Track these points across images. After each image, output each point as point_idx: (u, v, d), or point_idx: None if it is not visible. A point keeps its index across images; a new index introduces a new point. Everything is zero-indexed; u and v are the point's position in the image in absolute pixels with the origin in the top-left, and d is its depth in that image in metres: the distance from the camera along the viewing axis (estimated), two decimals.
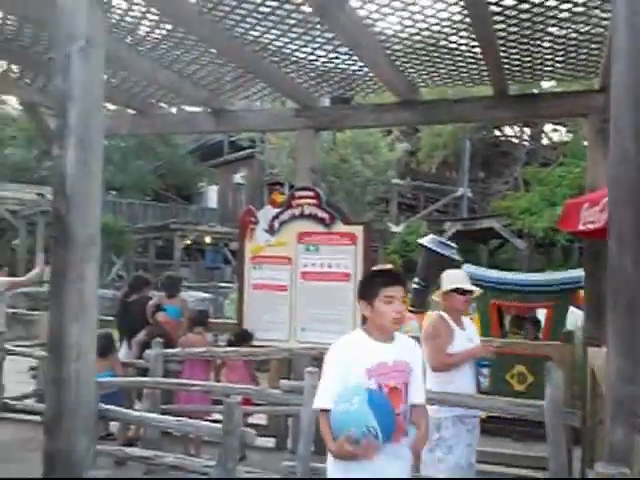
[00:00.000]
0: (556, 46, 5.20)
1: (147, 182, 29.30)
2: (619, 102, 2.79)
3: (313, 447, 4.26)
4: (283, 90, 6.60)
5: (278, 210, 6.44)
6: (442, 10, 4.64)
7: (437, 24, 4.88)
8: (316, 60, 5.76)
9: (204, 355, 5.98)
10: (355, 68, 5.89)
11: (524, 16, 4.62)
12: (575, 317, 7.38)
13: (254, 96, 6.96)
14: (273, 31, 5.16)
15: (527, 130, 26.48)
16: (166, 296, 6.93)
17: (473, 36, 4.95)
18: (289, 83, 6.36)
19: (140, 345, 6.43)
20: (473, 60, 5.50)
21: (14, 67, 6.62)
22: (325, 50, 5.52)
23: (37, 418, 6.31)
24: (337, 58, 5.67)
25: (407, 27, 4.97)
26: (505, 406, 4.14)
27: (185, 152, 30.87)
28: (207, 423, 4.37)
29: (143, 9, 4.90)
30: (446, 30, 4.99)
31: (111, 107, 7.73)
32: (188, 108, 7.92)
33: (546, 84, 12.60)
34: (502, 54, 5.28)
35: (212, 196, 32.19)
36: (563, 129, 25.32)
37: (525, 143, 26.50)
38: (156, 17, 5.05)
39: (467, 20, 4.70)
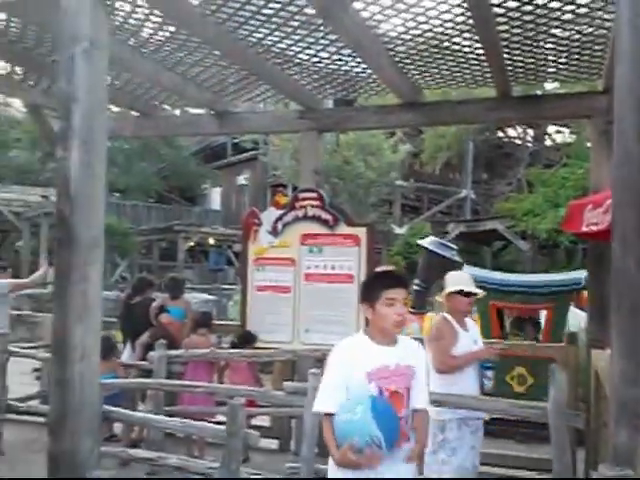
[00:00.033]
0: (559, 47, 5.19)
1: (151, 184, 29.34)
2: (623, 104, 2.78)
3: (316, 449, 4.26)
4: (286, 92, 6.61)
5: (281, 212, 6.44)
6: (445, 12, 4.65)
7: (440, 25, 4.89)
8: (319, 62, 5.77)
9: (207, 357, 5.99)
10: (358, 70, 5.89)
11: (527, 17, 4.62)
12: (579, 319, 7.38)
13: (257, 98, 6.97)
14: (276, 33, 5.17)
15: (530, 131, 26.45)
16: (169, 298, 6.94)
17: (476, 38, 4.96)
18: (292, 85, 6.37)
19: (144, 347, 6.44)
20: (476, 62, 5.50)
21: (18, 69, 6.63)
22: (328, 52, 5.52)
23: (41, 419, 6.32)
24: (340, 60, 5.68)
25: (410, 29, 4.97)
26: (508, 408, 4.14)
27: (188, 154, 30.92)
28: (210, 425, 4.37)
29: (146, 11, 4.92)
30: (449, 32, 4.99)
31: (115, 109, 7.74)
32: (192, 110, 7.93)
33: (549, 85, 12.60)
34: (505, 55, 5.28)
35: (215, 198, 32.22)
36: (566, 130, 25.27)
37: (528, 144, 26.47)
38: (159, 19, 5.06)
39: (470, 22, 4.70)
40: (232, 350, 6.15)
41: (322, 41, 5.29)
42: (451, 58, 5.48)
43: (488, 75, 5.78)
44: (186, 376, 6.02)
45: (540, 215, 14.96)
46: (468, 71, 5.79)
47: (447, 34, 5.03)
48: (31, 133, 24.87)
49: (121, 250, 21.57)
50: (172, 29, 5.25)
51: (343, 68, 5.88)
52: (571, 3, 4.42)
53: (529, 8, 4.48)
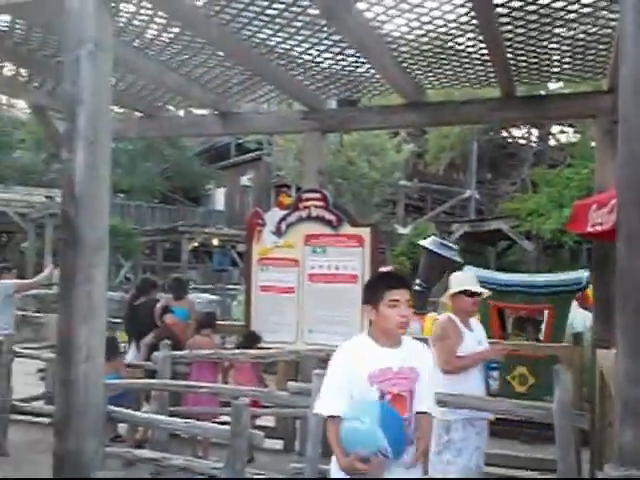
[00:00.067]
0: (563, 47, 5.19)
1: (155, 184, 29.39)
2: (627, 103, 2.77)
3: (321, 449, 4.26)
4: (290, 92, 6.61)
5: (285, 212, 6.44)
6: (449, 12, 4.65)
7: (444, 26, 4.88)
8: (323, 62, 5.77)
9: (212, 357, 6.00)
10: (362, 70, 5.89)
11: (531, 17, 4.62)
12: (584, 318, 7.36)
13: (261, 98, 6.97)
14: (280, 34, 5.17)
15: (535, 131, 26.40)
16: (173, 298, 6.95)
17: (480, 37, 4.95)
18: (296, 85, 6.37)
19: (148, 347, 6.46)
20: (480, 61, 5.50)
21: (23, 71, 6.66)
22: (332, 52, 5.52)
23: (46, 420, 6.34)
24: (344, 60, 5.68)
25: (414, 29, 4.97)
26: (513, 408, 4.13)
27: (192, 154, 30.96)
28: (215, 425, 4.38)
29: (151, 12, 4.93)
30: (453, 32, 4.99)
31: (119, 110, 7.76)
32: (195, 111, 7.95)
33: (553, 85, 12.57)
34: (509, 55, 5.27)
35: (219, 198, 32.25)
36: (571, 130, 25.21)
37: (532, 144, 26.41)
38: (164, 20, 5.07)
39: (474, 22, 4.69)
40: (236, 350, 6.16)
41: (326, 41, 5.30)
42: (455, 58, 5.48)
43: (492, 75, 5.77)
44: (190, 376, 6.03)
45: (544, 215, 14.92)
46: (472, 71, 5.79)
47: (451, 34, 5.03)
48: (35, 134, 24.97)
49: (125, 251, 21.61)
50: (176, 30, 5.27)
51: (347, 68, 5.88)
52: (575, 2, 4.41)
53: (533, 8, 4.47)
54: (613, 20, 4.55)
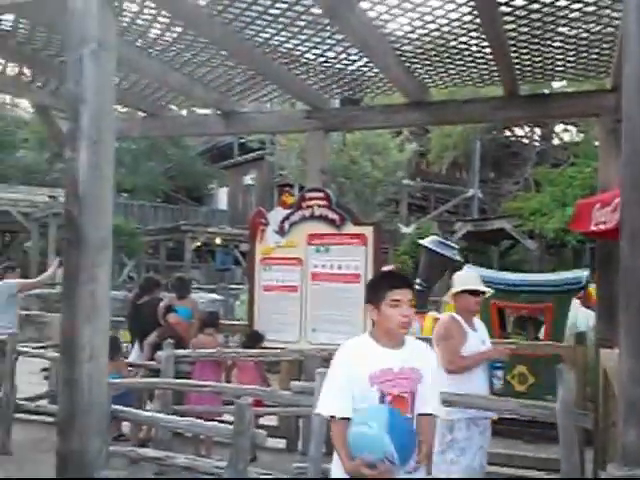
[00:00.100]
0: (567, 46, 5.18)
1: (158, 184, 29.44)
2: (631, 102, 2.77)
3: (324, 448, 4.26)
4: (293, 92, 6.62)
5: (288, 211, 6.45)
6: (452, 11, 4.64)
7: (447, 25, 4.88)
8: (326, 62, 5.77)
9: (215, 356, 6.00)
10: (365, 69, 5.89)
11: (534, 16, 4.61)
12: (587, 318, 7.36)
13: (264, 98, 6.98)
14: (283, 33, 5.17)
15: (538, 130, 26.37)
16: (176, 297, 6.95)
17: (483, 36, 4.95)
18: (299, 85, 6.37)
19: (152, 346, 6.46)
20: (483, 60, 5.49)
21: (26, 70, 6.67)
22: (335, 52, 5.53)
23: (50, 419, 6.35)
24: (347, 59, 5.68)
25: (417, 28, 4.97)
26: (516, 408, 4.12)
27: (195, 154, 30.99)
28: (218, 424, 4.38)
29: (154, 12, 4.93)
30: (456, 30, 4.98)
31: (122, 109, 7.77)
32: (198, 110, 7.96)
33: (557, 84, 12.55)
34: (512, 54, 5.27)
35: (222, 198, 32.27)
36: (574, 129, 25.17)
37: (536, 143, 26.40)
38: (167, 20, 5.08)
39: (477, 20, 4.69)
40: (239, 349, 6.16)
41: (329, 41, 5.30)
42: (458, 57, 5.47)
43: (495, 74, 5.77)
44: (193, 376, 6.04)
45: (547, 214, 14.92)
46: (475, 70, 5.78)
47: (454, 33, 5.03)
48: (38, 134, 25.01)
49: (128, 250, 21.65)
50: (179, 29, 5.27)
51: (349, 68, 5.88)
52: (578, 1, 4.41)
53: (536, 6, 4.47)
54: (617, 19, 4.54)
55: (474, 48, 5.25)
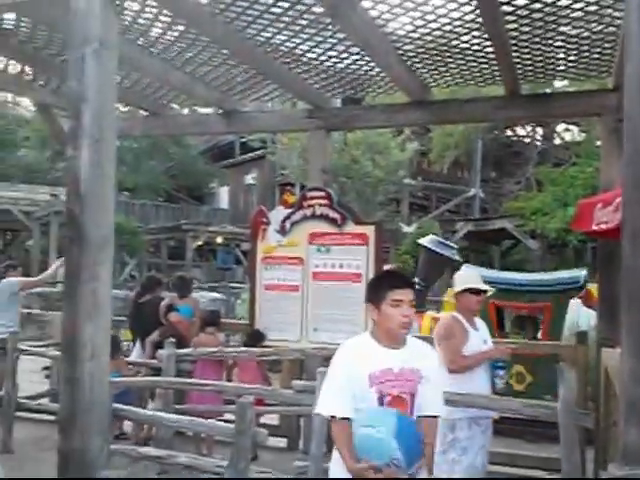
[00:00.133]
0: (569, 45, 5.17)
1: (159, 183, 29.45)
2: (633, 101, 2.77)
3: (325, 447, 4.26)
4: (294, 91, 6.62)
5: (289, 211, 6.45)
6: (454, 10, 4.64)
7: (449, 24, 4.88)
8: (327, 61, 5.77)
9: (216, 355, 6.01)
10: (366, 68, 5.89)
11: (536, 15, 4.61)
12: (588, 317, 7.36)
13: (265, 97, 6.97)
14: (285, 32, 5.17)
15: (539, 130, 26.34)
16: (178, 296, 6.96)
17: (485, 36, 4.94)
18: (300, 84, 6.37)
19: (153, 345, 6.47)
20: (485, 60, 5.49)
21: (28, 69, 6.67)
22: (336, 51, 5.52)
23: (51, 417, 6.36)
24: (348, 58, 5.67)
25: (419, 27, 4.97)
26: (518, 407, 4.12)
27: (197, 153, 31.00)
28: (220, 423, 4.39)
29: (155, 11, 4.93)
30: (458, 30, 4.98)
31: (124, 108, 7.77)
32: (200, 109, 7.96)
33: (558, 83, 12.53)
34: (514, 54, 5.26)
35: (223, 197, 32.29)
36: (576, 129, 25.15)
37: (537, 143, 26.36)
38: (168, 19, 5.08)
39: (479, 20, 4.68)
40: (240, 348, 6.17)
41: (330, 40, 5.30)
42: (460, 56, 5.47)
43: (497, 73, 5.76)
44: (195, 375, 6.04)
45: (549, 214, 14.91)
46: (477, 69, 5.78)
47: (456, 32, 5.02)
48: (40, 132, 25.02)
49: (130, 249, 21.65)
50: (181, 28, 5.27)
51: (351, 67, 5.88)
52: (580, 1, 4.40)
53: (538, 6, 4.46)
54: (618, 18, 4.54)
55: (476, 47, 5.25)
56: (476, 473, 4.07)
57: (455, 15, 4.72)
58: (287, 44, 5.43)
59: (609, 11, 4.52)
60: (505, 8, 4.47)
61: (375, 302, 2.75)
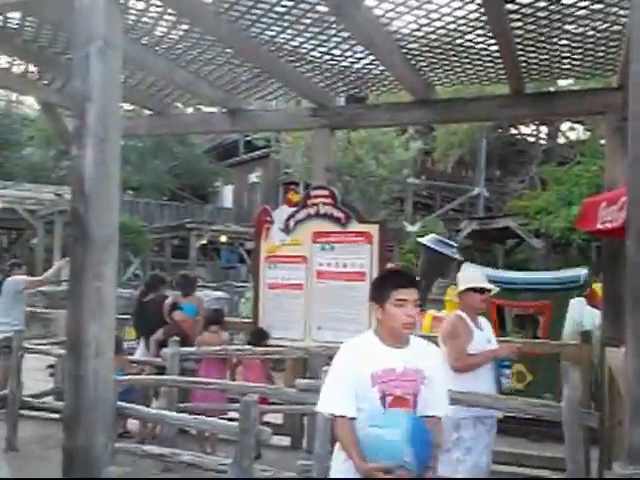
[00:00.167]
0: (573, 44, 5.16)
1: (163, 182, 29.49)
2: (638, 100, 2.76)
3: (329, 446, 4.26)
4: (298, 90, 6.62)
5: (293, 209, 6.45)
6: (458, 8, 4.63)
7: (453, 22, 4.87)
8: (331, 59, 5.77)
9: (220, 354, 6.01)
10: (371, 67, 5.88)
11: (541, 14, 4.60)
12: (593, 317, 7.34)
13: (270, 96, 6.98)
14: (289, 31, 5.18)
15: (544, 128, 26.27)
16: (182, 295, 6.96)
17: (490, 34, 4.94)
18: (304, 83, 6.37)
19: (158, 343, 6.48)
20: (489, 58, 5.48)
21: (33, 68, 6.69)
22: (341, 49, 5.52)
23: (55, 416, 6.37)
24: (352, 57, 5.67)
25: (423, 25, 4.96)
26: (522, 406, 4.11)
27: (201, 152, 31.02)
28: (224, 421, 4.39)
29: (160, 9, 4.94)
30: (462, 28, 4.97)
31: (128, 107, 7.78)
32: (204, 108, 7.97)
33: (563, 82, 12.50)
34: (519, 52, 5.25)
35: (227, 196, 32.31)
36: (580, 128, 25.08)
37: (542, 142, 26.29)
38: (173, 17, 5.08)
39: (483, 18, 4.68)
40: (244, 347, 6.17)
41: (334, 38, 5.30)
42: (464, 55, 5.46)
43: (501, 72, 5.75)
44: (199, 373, 6.05)
45: (553, 213, 14.87)
46: (481, 68, 5.77)
47: (460, 31, 5.01)
48: (45, 131, 25.07)
49: (134, 248, 21.69)
50: (185, 27, 5.28)
51: (355, 65, 5.88)
52: None
53: (543, 4, 4.46)
54: (623, 17, 4.52)
55: (480, 46, 5.24)
56: (480, 473, 4.06)
57: (459, 13, 4.71)
58: (291, 43, 5.44)
59: (614, 9, 4.51)
60: (509, 6, 4.46)
61: (379, 301, 2.73)
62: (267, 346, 6.16)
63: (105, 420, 3.76)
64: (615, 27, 4.77)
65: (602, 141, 13.18)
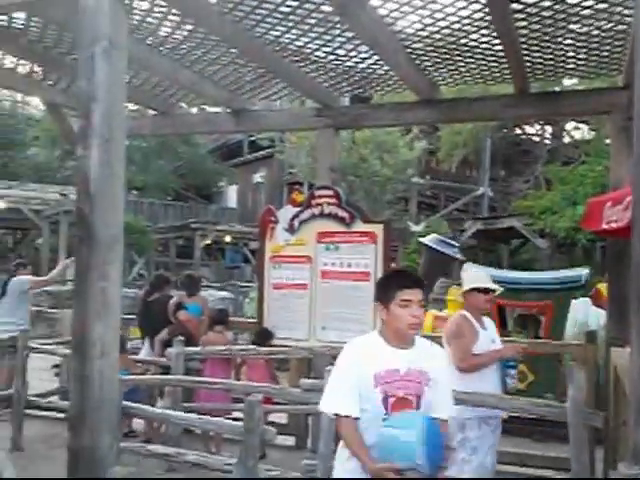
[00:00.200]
0: (578, 43, 5.15)
1: (168, 182, 29.51)
2: None
3: (333, 446, 4.26)
4: (303, 89, 6.62)
5: (298, 209, 6.45)
6: (463, 8, 4.63)
7: (458, 22, 4.87)
8: (336, 59, 5.77)
9: (225, 353, 6.02)
10: (375, 67, 5.88)
11: (546, 13, 4.59)
12: (598, 316, 7.33)
13: (274, 96, 6.99)
14: (293, 31, 5.18)
15: (548, 128, 26.21)
16: (186, 295, 6.97)
17: (494, 34, 4.93)
18: (309, 83, 6.38)
19: (163, 343, 6.49)
20: (494, 58, 5.48)
21: (38, 68, 6.71)
22: (345, 49, 5.52)
23: (61, 415, 6.39)
24: (357, 57, 5.67)
25: (427, 25, 4.96)
26: (527, 406, 4.11)
27: (205, 152, 31.05)
28: (228, 421, 4.39)
29: (165, 10, 4.95)
30: (467, 28, 4.97)
31: (133, 107, 7.80)
32: (209, 108, 7.98)
33: (568, 82, 12.48)
34: (523, 52, 5.25)
35: (232, 196, 32.33)
36: (585, 127, 25.02)
37: (546, 141, 26.23)
38: (177, 18, 5.09)
39: (488, 18, 4.67)
40: (249, 347, 6.18)
41: (339, 38, 5.30)
42: (468, 54, 5.46)
43: (506, 71, 5.74)
44: (204, 373, 6.06)
45: (558, 213, 14.83)
46: (486, 68, 5.77)
47: (464, 30, 5.01)
48: (50, 132, 25.12)
49: (138, 248, 21.72)
50: (189, 28, 5.29)
51: (360, 65, 5.88)
52: None
53: (547, 3, 4.45)
54: (628, 16, 4.51)
55: (485, 45, 5.23)
56: (486, 473, 4.05)
57: (464, 13, 4.71)
58: (296, 43, 5.44)
59: (619, 9, 4.50)
60: (514, 6, 4.46)
61: (384, 302, 2.71)
62: (271, 346, 6.17)
63: (110, 420, 3.77)
64: (620, 26, 4.76)
65: (607, 141, 13.15)
